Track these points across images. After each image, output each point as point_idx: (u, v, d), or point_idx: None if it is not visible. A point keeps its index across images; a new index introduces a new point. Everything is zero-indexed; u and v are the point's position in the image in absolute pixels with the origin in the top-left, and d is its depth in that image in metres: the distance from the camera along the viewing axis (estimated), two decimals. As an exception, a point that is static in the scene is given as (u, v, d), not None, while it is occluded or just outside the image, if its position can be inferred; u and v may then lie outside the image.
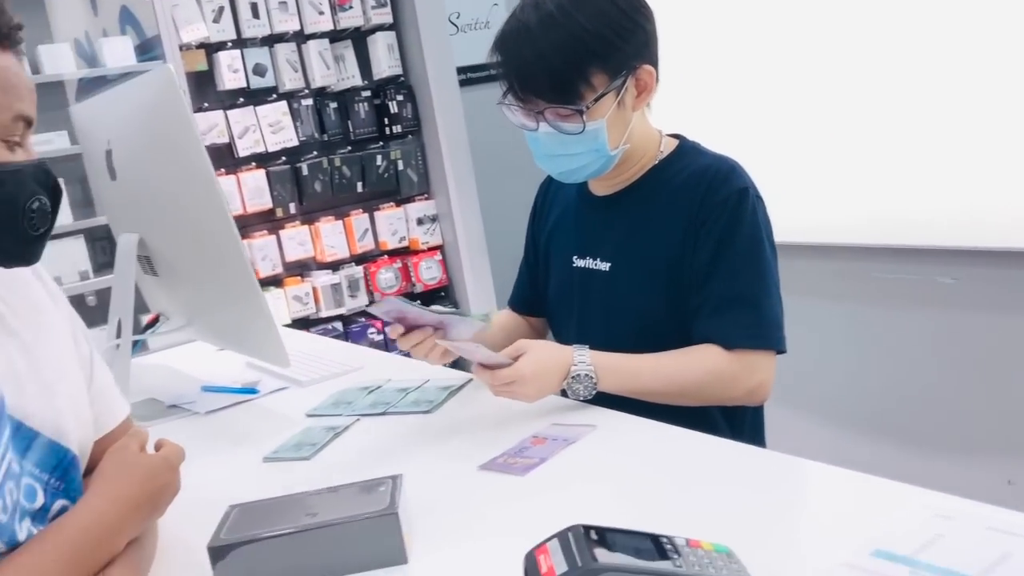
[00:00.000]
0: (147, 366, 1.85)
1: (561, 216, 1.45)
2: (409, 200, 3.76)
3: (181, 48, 3.21)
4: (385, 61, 3.60)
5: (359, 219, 3.64)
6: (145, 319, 1.72)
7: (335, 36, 3.52)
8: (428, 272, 3.80)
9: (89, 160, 1.59)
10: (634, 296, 1.31)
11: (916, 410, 2.35)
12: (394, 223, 3.72)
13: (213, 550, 0.89)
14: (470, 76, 4.30)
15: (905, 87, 2.18)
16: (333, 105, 3.54)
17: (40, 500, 0.92)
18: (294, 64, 3.43)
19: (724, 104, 2.57)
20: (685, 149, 1.34)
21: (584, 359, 1.20)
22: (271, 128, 3.38)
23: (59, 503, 0.95)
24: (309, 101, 3.48)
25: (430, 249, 3.80)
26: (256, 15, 3.32)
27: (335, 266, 3.61)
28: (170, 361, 1.90)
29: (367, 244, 3.67)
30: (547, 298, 1.49)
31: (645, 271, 1.30)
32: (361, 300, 3.65)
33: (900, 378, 2.39)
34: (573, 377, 1.20)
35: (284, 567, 0.89)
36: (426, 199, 3.79)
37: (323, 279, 3.56)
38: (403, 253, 3.77)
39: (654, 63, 1.28)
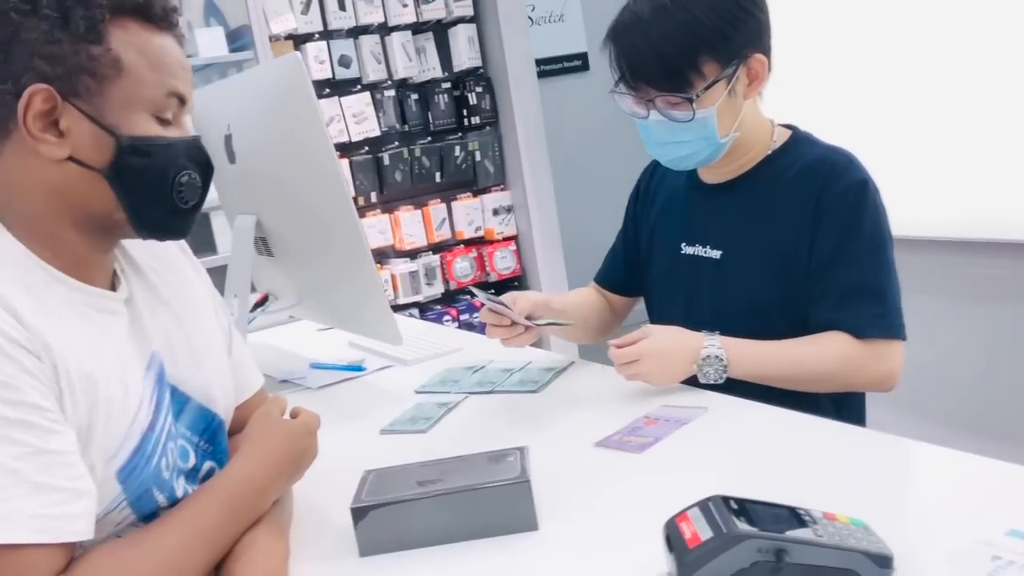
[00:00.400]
0: (253, 344, 1.91)
1: (668, 202, 1.47)
2: (485, 191, 3.81)
3: (270, 39, 3.29)
4: (465, 53, 3.65)
5: (437, 209, 3.70)
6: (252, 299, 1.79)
7: (417, 28, 3.58)
8: (502, 262, 3.85)
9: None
10: (746, 284, 1.32)
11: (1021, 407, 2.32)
12: (470, 213, 3.77)
13: (356, 510, 0.94)
14: (543, 69, 4.34)
15: (1012, 80, 2.15)
16: (414, 96, 3.61)
17: (192, 461, 0.99)
18: (377, 56, 3.50)
19: (831, 95, 2.55)
20: (799, 139, 1.36)
21: (714, 342, 1.22)
22: (354, 118, 3.45)
23: (207, 464, 1.01)
24: (391, 92, 3.55)
25: (505, 239, 3.85)
26: (342, 7, 3.40)
27: (413, 254, 3.68)
28: (273, 340, 1.97)
29: (444, 233, 3.73)
30: (648, 283, 1.51)
31: (758, 259, 1.31)
32: (437, 288, 3.72)
33: (1006, 374, 2.36)
34: (704, 359, 1.22)
35: (420, 528, 0.93)
36: (502, 190, 3.84)
37: (401, 267, 3.63)
38: (478, 243, 3.83)
39: (766, 52, 1.29)
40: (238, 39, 3.41)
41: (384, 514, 0.93)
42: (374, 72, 3.49)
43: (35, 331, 0.82)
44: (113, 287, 0.96)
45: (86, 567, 0.79)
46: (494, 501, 0.93)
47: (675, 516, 0.79)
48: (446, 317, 3.73)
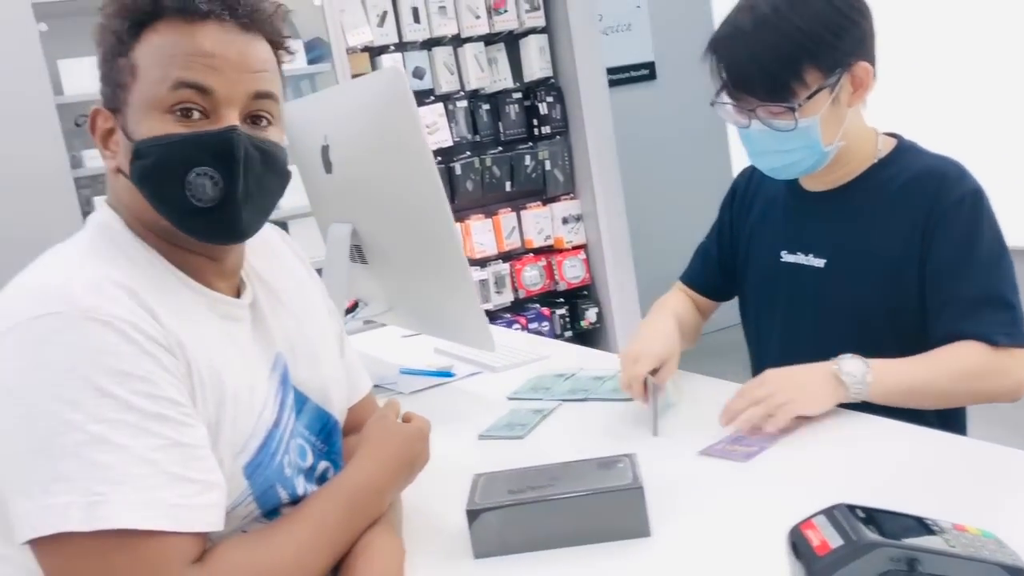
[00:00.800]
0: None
1: (767, 209, 1.46)
2: (555, 199, 3.83)
3: (347, 51, 3.36)
4: (536, 63, 3.68)
5: (507, 217, 3.73)
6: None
7: (489, 39, 3.62)
8: (572, 271, 3.86)
9: (300, 155, 1.70)
10: (851, 293, 1.31)
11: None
12: (540, 222, 3.79)
13: (471, 513, 0.95)
14: (611, 78, 4.34)
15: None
16: (485, 107, 3.65)
17: (309, 460, 1.01)
18: (450, 67, 3.55)
19: (933, 103, 2.50)
20: (905, 148, 1.34)
21: (846, 358, 1.17)
22: (428, 129, 3.50)
23: (323, 464, 1.04)
24: (463, 103, 3.59)
25: (574, 248, 3.86)
26: (417, 19, 3.45)
27: (483, 263, 3.71)
28: (361, 346, 2.00)
29: (514, 242, 3.76)
30: (744, 290, 1.50)
31: (865, 269, 1.30)
32: (506, 296, 3.75)
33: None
34: (842, 363, 1.16)
35: (533, 531, 0.95)
36: (571, 199, 3.85)
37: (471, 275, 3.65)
38: (547, 251, 3.85)
39: (871, 60, 1.28)
40: (311, 51, 3.49)
41: (498, 517, 0.95)
42: (447, 83, 3.54)
43: (169, 329, 0.85)
44: (238, 293, 0.99)
45: (217, 558, 0.82)
46: (607, 507, 0.94)
47: (800, 523, 0.79)
48: (515, 325, 3.75)
